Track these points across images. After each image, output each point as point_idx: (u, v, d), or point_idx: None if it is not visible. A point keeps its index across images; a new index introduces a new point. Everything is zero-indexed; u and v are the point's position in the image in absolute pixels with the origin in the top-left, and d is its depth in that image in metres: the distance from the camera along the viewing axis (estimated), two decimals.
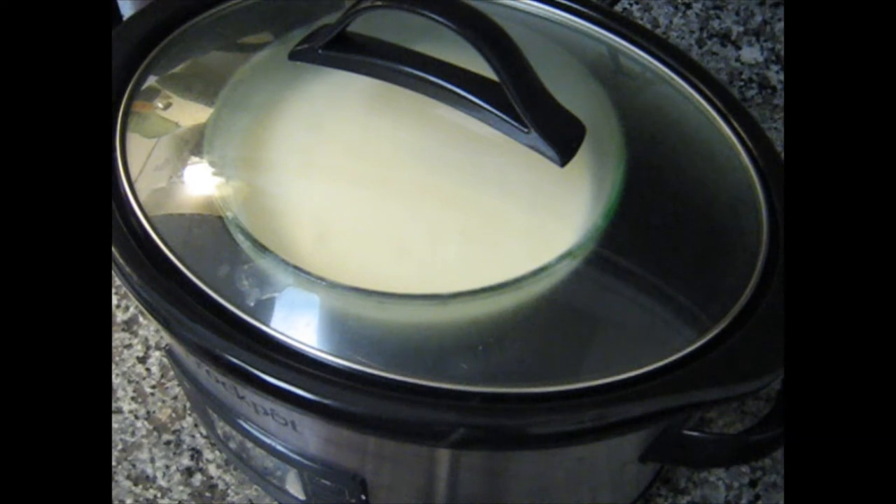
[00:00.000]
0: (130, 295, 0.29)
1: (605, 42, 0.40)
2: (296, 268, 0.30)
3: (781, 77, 0.60)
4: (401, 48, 0.34)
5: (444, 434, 0.27)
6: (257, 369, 0.27)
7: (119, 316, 0.49)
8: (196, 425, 0.45)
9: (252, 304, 0.29)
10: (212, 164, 0.33)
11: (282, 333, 0.28)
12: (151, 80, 0.37)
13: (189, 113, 0.36)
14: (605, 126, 0.35)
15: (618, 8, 0.60)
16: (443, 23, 0.30)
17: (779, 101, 0.61)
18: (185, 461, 0.43)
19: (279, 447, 0.34)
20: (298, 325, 0.29)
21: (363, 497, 0.34)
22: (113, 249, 0.30)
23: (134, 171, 0.33)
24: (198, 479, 0.43)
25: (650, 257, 0.32)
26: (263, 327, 0.29)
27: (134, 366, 0.47)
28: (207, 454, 0.44)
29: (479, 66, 0.32)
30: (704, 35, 0.60)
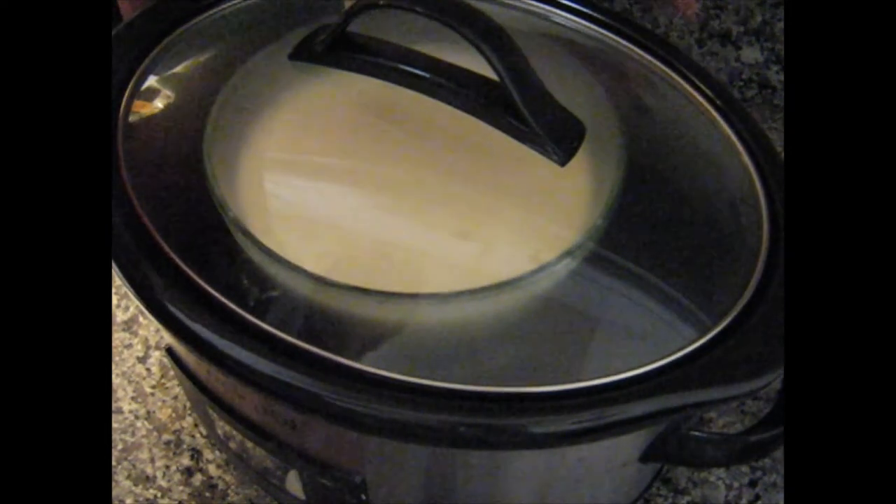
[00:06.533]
0: (130, 295, 0.29)
1: (605, 42, 0.40)
2: (295, 267, 0.30)
3: (781, 77, 0.60)
4: (401, 48, 0.34)
5: (444, 434, 0.27)
6: (257, 369, 0.27)
7: (119, 316, 0.49)
8: (196, 425, 0.45)
9: (252, 303, 0.29)
10: (212, 163, 0.33)
11: (281, 333, 0.28)
12: (151, 80, 0.37)
13: (189, 113, 0.36)
14: (605, 126, 0.35)
15: (618, 8, 0.60)
16: (443, 22, 0.31)
17: (779, 101, 0.61)
18: (185, 461, 0.43)
19: (279, 447, 0.34)
20: (298, 324, 0.29)
21: (363, 497, 0.34)
22: (113, 249, 0.30)
23: (134, 171, 0.33)
24: (198, 479, 0.43)
25: (650, 257, 0.32)
26: (263, 327, 0.29)
27: (134, 366, 0.47)
28: (207, 454, 0.44)
29: (479, 66, 0.32)
30: (704, 35, 0.60)
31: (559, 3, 0.41)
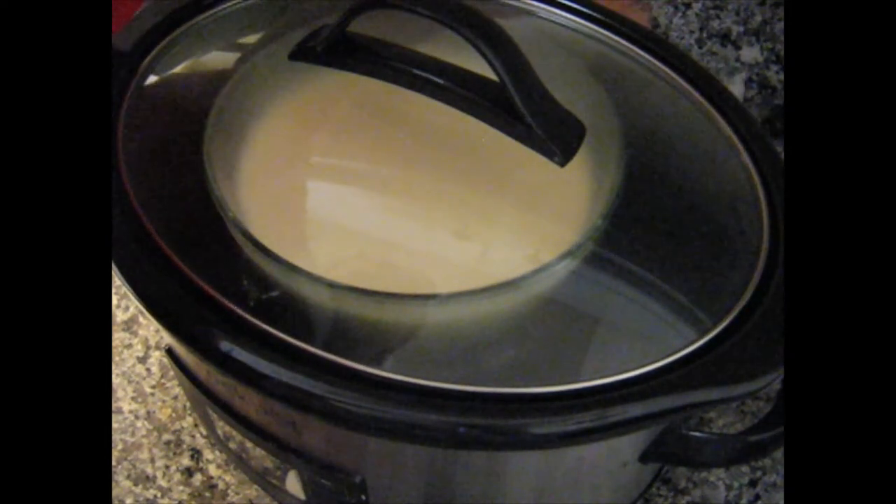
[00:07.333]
0: (130, 295, 0.30)
1: (605, 42, 0.40)
2: (296, 267, 0.30)
3: (781, 77, 0.60)
4: (401, 48, 0.34)
5: (443, 434, 0.27)
6: (257, 369, 0.27)
7: (119, 316, 0.49)
8: (196, 425, 0.45)
9: (252, 303, 0.29)
10: (212, 163, 0.33)
11: (281, 333, 0.28)
12: (151, 80, 0.37)
13: (189, 113, 0.36)
14: (605, 126, 0.35)
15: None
16: (443, 23, 0.31)
17: (779, 101, 0.61)
18: (185, 461, 0.43)
19: (279, 447, 0.34)
20: (298, 324, 0.29)
21: (363, 497, 0.34)
22: (113, 249, 0.30)
23: (134, 171, 0.33)
24: (198, 479, 0.43)
25: (650, 257, 0.32)
26: (263, 327, 0.29)
27: (134, 366, 0.47)
28: (207, 454, 0.44)
29: (479, 66, 0.32)
30: (704, 35, 0.60)
31: (559, 3, 0.41)
